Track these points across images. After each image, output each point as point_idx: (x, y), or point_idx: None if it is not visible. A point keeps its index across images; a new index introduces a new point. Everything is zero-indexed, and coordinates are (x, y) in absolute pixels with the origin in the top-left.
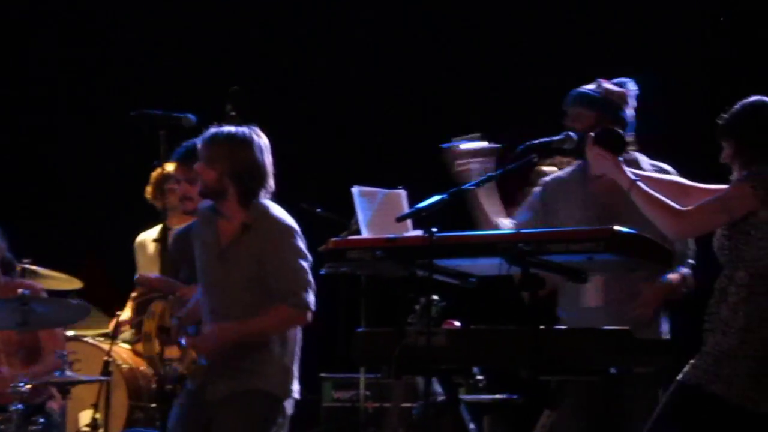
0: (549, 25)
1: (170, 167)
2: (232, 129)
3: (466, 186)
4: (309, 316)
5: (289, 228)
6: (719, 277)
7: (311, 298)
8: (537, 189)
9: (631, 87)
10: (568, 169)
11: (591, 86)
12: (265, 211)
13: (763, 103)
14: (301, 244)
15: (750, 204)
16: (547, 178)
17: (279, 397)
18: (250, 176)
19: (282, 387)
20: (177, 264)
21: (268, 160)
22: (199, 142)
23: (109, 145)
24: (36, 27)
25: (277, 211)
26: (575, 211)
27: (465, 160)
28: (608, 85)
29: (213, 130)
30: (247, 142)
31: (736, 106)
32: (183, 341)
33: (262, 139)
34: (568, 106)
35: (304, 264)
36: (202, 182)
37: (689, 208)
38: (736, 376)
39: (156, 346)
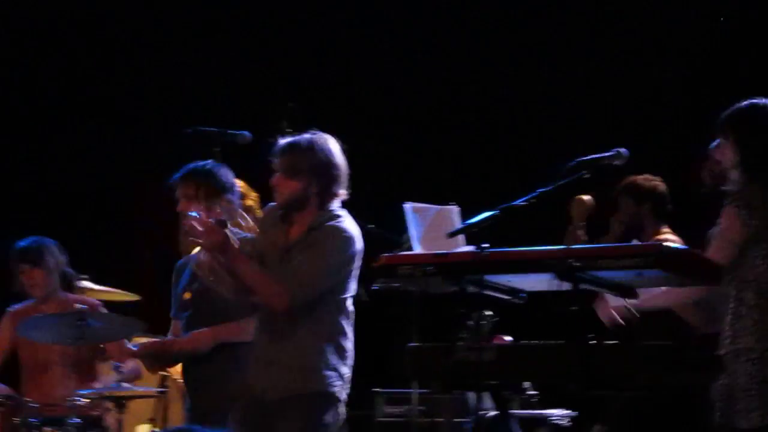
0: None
1: None
2: (307, 136)
3: (517, 202)
4: (285, 306)
5: (346, 234)
6: (731, 301)
7: (301, 297)
8: None
9: None
10: None
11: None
12: (333, 216)
13: (762, 105)
14: (348, 251)
15: (741, 225)
16: None
17: (332, 399)
18: (332, 180)
19: (334, 389)
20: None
21: (344, 163)
22: (275, 153)
23: (165, 162)
24: (93, 43)
25: (346, 220)
26: None
27: None
28: None
29: (287, 140)
30: (326, 147)
31: (738, 106)
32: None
33: (335, 143)
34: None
35: (331, 267)
36: (283, 195)
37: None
38: None
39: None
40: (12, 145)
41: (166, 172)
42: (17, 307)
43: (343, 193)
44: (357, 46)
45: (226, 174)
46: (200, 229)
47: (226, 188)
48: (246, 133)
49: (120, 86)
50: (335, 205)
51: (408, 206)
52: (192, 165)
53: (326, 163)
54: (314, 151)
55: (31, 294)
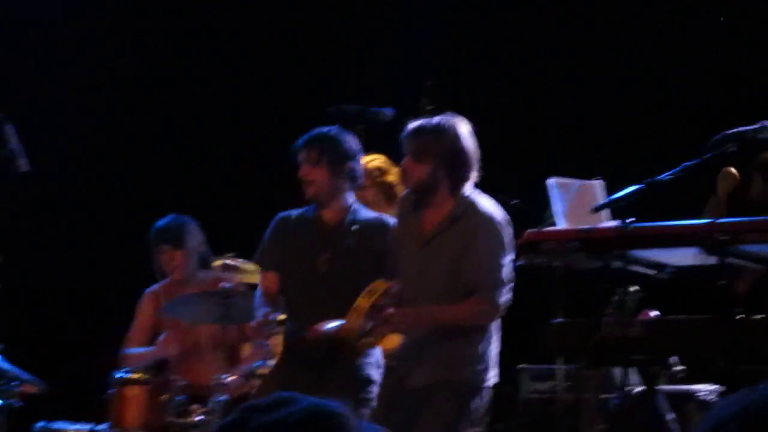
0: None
1: (368, 161)
2: (435, 119)
3: (662, 177)
4: (498, 314)
5: (496, 221)
6: None
7: (503, 298)
8: None
9: None
10: None
11: None
12: (473, 203)
13: None
14: (506, 237)
15: None
16: None
17: (477, 386)
18: (460, 164)
19: (479, 376)
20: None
21: (474, 146)
22: (403, 137)
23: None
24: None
25: (486, 202)
26: None
27: None
28: None
29: (415, 123)
30: (453, 131)
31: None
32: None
33: (466, 126)
34: None
35: (504, 260)
36: (412, 178)
37: None
38: None
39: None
40: (148, 123)
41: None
42: (156, 287)
43: (474, 176)
44: (497, 21)
45: (352, 141)
46: (397, 323)
47: (349, 155)
48: (388, 110)
49: (248, 65)
50: (468, 189)
51: (551, 181)
52: (317, 130)
53: (454, 147)
54: (441, 135)
55: (171, 275)
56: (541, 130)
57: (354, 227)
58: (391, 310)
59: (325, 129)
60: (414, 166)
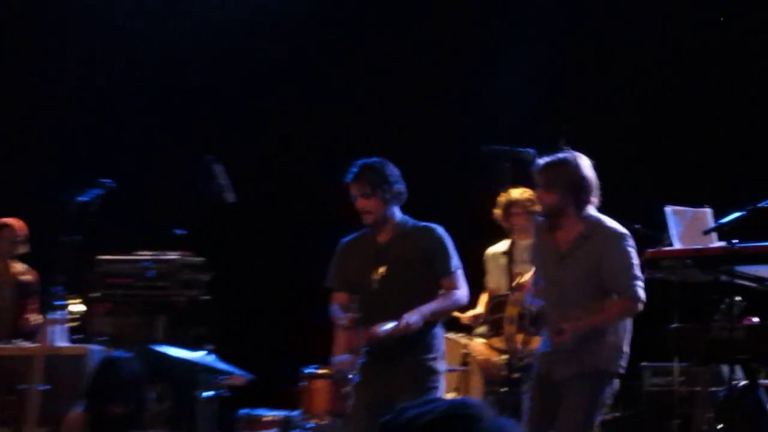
0: None
1: (515, 194)
2: (560, 155)
3: (763, 204)
4: (640, 306)
5: (623, 234)
6: None
7: (642, 291)
8: None
9: None
10: None
11: None
12: (600, 222)
13: None
14: (632, 247)
15: None
16: None
17: (612, 373)
18: (583, 191)
19: (614, 364)
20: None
21: (593, 175)
22: (535, 171)
23: (463, 174)
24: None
25: (609, 221)
26: None
27: None
28: None
29: (544, 159)
30: (575, 164)
31: None
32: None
33: (585, 159)
34: None
35: (636, 263)
36: (544, 205)
37: None
38: None
39: (513, 328)
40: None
41: (470, 184)
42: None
43: (594, 200)
44: (620, 66)
45: (392, 166)
46: (569, 335)
47: (395, 180)
48: (531, 150)
49: (423, 106)
50: (591, 211)
51: (668, 209)
52: (362, 163)
53: (577, 177)
54: (566, 168)
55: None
56: (660, 162)
57: (403, 237)
58: (564, 325)
59: (369, 161)
60: (545, 195)
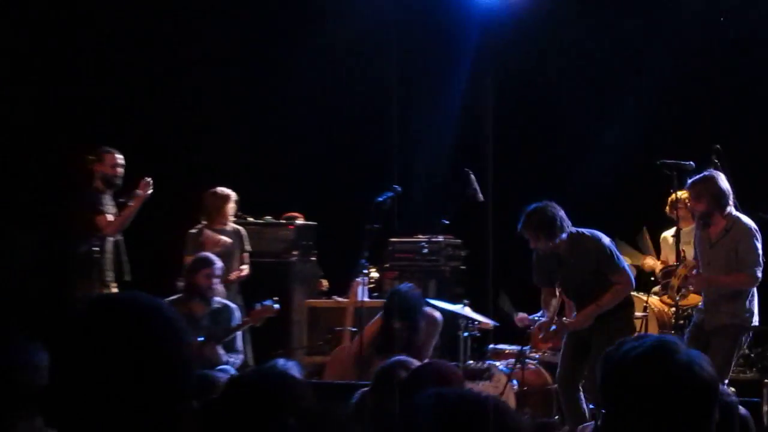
0: None
1: (679, 194)
2: (703, 174)
3: None
4: (756, 281)
5: (752, 228)
6: None
7: (759, 272)
8: None
9: None
10: None
11: None
12: (738, 219)
13: None
14: (758, 240)
15: None
16: None
17: (746, 327)
18: (722, 199)
19: (747, 320)
20: None
21: (728, 187)
22: (687, 187)
23: (642, 182)
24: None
25: (745, 218)
26: None
27: None
28: None
29: (694, 178)
30: (713, 180)
31: None
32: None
33: (720, 176)
34: None
35: (758, 251)
36: (696, 211)
37: None
38: None
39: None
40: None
41: (641, 190)
42: None
43: (731, 204)
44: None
45: (546, 209)
46: (695, 284)
47: (554, 219)
48: (691, 163)
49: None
50: (730, 210)
51: None
52: (527, 211)
53: (716, 190)
54: (708, 184)
55: None
56: None
57: (571, 249)
58: (691, 273)
59: (530, 209)
60: (696, 204)
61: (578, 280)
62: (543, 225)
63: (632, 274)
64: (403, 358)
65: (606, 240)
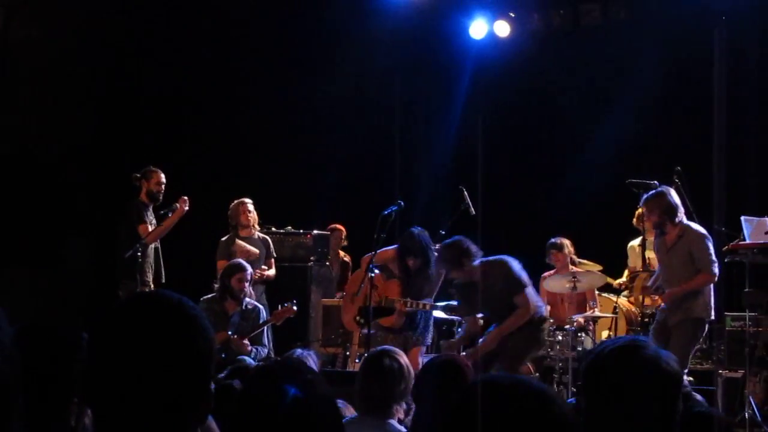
0: None
1: (641, 211)
2: (657, 190)
3: None
4: (715, 278)
5: (703, 233)
6: None
7: (716, 269)
8: None
9: None
10: None
11: None
12: (688, 226)
13: None
14: (709, 241)
15: None
16: None
17: (703, 321)
18: (672, 211)
19: (705, 313)
20: None
21: (677, 201)
22: (642, 200)
23: (613, 199)
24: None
25: (695, 225)
26: None
27: None
28: None
29: (647, 194)
30: (663, 196)
31: None
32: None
33: (671, 192)
34: None
35: (712, 251)
36: (651, 222)
37: None
38: None
39: (638, 293)
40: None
41: (610, 205)
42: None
43: (681, 215)
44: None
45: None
46: (667, 299)
47: (464, 255)
48: (656, 182)
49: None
50: (681, 218)
51: (744, 218)
52: (646, 196)
53: (666, 204)
54: (659, 199)
55: None
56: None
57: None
58: (666, 292)
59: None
60: (650, 216)
61: (494, 303)
62: (452, 257)
63: (535, 298)
64: (389, 348)
65: (515, 265)
